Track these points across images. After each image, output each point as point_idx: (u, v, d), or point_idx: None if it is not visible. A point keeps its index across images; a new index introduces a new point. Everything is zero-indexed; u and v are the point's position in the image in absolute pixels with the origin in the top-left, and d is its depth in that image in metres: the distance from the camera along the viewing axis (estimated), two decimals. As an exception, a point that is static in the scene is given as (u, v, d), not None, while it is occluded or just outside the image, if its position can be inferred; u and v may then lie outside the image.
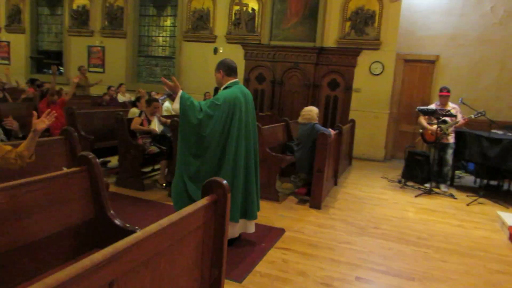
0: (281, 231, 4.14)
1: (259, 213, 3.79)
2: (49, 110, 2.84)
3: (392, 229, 4.47)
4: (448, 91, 6.38)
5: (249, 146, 3.55)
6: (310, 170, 5.21)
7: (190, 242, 1.90)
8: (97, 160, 2.51)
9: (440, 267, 3.56)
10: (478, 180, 7.00)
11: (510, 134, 6.36)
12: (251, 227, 3.74)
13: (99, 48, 11.79)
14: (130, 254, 1.45)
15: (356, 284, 3.14)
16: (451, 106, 6.34)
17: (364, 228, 4.43)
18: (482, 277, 3.44)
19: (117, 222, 2.41)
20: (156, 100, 6.02)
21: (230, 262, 3.33)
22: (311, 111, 5.29)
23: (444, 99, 6.38)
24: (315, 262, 3.47)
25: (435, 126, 6.16)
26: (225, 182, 2.05)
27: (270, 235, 4.02)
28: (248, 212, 3.60)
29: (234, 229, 3.56)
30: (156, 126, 5.61)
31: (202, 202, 1.95)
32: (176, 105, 3.24)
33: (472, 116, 6.10)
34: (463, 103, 6.33)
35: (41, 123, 2.74)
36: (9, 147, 2.74)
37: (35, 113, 2.74)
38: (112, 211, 2.45)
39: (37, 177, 2.29)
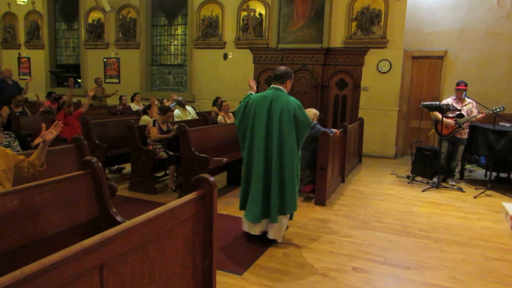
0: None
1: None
2: (56, 121, 3.08)
3: (394, 222, 4.57)
4: (466, 85, 6.34)
5: (256, 149, 3.67)
6: (314, 167, 5.35)
7: (180, 233, 2.09)
8: (100, 164, 2.72)
9: (438, 257, 3.65)
10: (488, 173, 6.98)
11: (517, 126, 6.35)
12: (272, 232, 3.78)
13: (114, 59, 12.21)
14: (118, 240, 1.64)
15: (352, 273, 3.27)
16: (468, 101, 6.36)
17: (367, 222, 4.54)
18: (478, 264, 3.52)
19: (118, 219, 2.62)
20: (170, 110, 6.26)
21: (232, 256, 3.53)
22: (309, 112, 5.45)
23: (459, 93, 6.35)
24: (314, 255, 3.61)
25: (449, 120, 6.22)
26: (212, 179, 2.23)
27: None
28: (269, 214, 3.72)
29: (254, 227, 3.79)
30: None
31: (190, 196, 2.13)
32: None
33: (491, 111, 6.04)
34: (467, 98, 6.37)
35: (49, 134, 2.99)
36: (22, 157, 3.00)
37: (43, 125, 2.98)
38: (114, 209, 2.67)
39: (46, 180, 2.53)
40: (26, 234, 2.36)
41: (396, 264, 3.47)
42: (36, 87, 12.67)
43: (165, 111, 6.02)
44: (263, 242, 3.82)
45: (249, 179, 3.78)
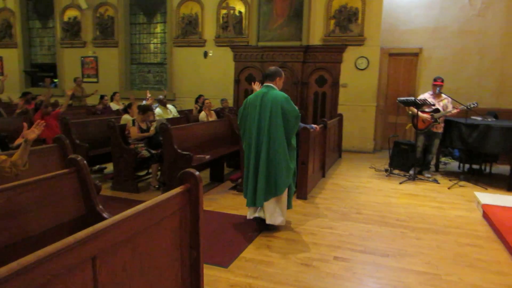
0: (267, 221, 4.39)
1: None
2: (38, 120, 3.08)
3: (373, 214, 4.72)
4: (442, 80, 6.58)
5: (251, 141, 3.99)
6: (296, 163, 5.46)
7: (168, 226, 2.16)
8: (85, 161, 2.76)
9: (414, 244, 3.82)
10: (462, 165, 7.25)
11: (488, 120, 6.60)
12: (267, 216, 4.00)
13: (92, 58, 12.06)
14: (109, 233, 1.70)
15: (334, 262, 3.40)
16: (443, 97, 6.59)
17: (347, 214, 4.69)
18: (452, 250, 3.71)
19: (105, 215, 2.67)
20: (151, 109, 6.27)
21: (218, 249, 3.61)
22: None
23: (435, 88, 6.58)
24: (297, 246, 3.72)
25: (426, 114, 6.43)
26: (197, 173, 2.31)
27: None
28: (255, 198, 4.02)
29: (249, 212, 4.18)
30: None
31: (176, 190, 2.20)
32: None
33: (465, 107, 6.27)
34: (443, 94, 6.61)
35: (31, 133, 2.97)
36: (4, 157, 2.97)
37: (25, 124, 2.98)
38: (100, 206, 2.71)
39: (30, 179, 2.55)
40: (13, 232, 2.38)
41: (375, 252, 3.62)
42: (10, 87, 12.39)
43: (145, 110, 6.03)
44: (266, 228, 4.06)
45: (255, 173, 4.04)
